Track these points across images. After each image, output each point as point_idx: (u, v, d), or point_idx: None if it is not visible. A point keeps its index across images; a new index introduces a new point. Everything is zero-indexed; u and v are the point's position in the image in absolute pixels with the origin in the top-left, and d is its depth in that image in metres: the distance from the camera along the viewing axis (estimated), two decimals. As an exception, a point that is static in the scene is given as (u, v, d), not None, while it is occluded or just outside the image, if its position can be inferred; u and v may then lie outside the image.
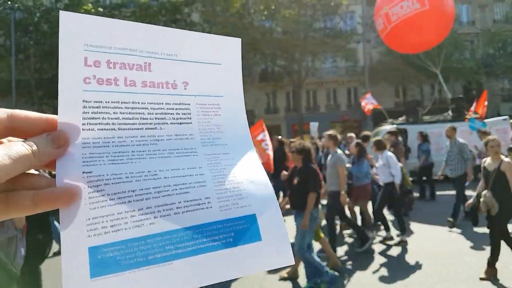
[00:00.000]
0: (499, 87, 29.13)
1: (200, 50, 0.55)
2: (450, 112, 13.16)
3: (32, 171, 0.44)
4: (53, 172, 0.44)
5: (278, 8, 23.13)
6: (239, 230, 0.49)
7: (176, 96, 0.53)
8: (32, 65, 23.70)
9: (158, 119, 0.51)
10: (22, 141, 0.42)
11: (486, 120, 10.77)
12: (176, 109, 0.53)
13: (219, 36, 0.57)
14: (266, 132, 6.42)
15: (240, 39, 0.58)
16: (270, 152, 6.15)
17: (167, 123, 0.51)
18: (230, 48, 0.59)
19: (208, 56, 0.56)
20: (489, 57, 27.73)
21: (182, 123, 0.53)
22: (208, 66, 0.56)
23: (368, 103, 14.30)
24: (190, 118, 0.54)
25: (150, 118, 0.50)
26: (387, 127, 13.41)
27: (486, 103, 12.21)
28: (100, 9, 24.72)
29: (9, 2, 21.89)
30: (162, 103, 0.52)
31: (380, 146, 6.35)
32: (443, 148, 9.96)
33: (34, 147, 0.42)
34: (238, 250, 0.48)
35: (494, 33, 27.06)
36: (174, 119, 0.52)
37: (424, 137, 9.87)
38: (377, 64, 26.58)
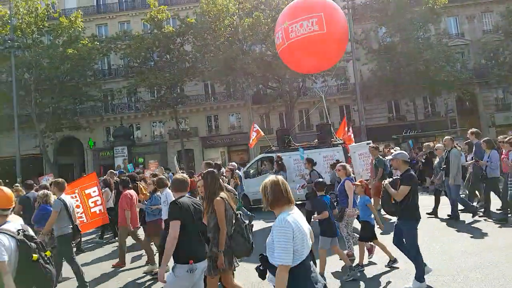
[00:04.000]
0: (493, 97, 30.05)
1: None
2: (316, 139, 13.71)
3: None
4: None
5: (267, 33, 24.64)
6: None
7: None
8: (33, 100, 25.48)
9: None
10: None
11: (351, 145, 11.59)
12: None
13: None
14: (98, 187, 6.97)
15: None
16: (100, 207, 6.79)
17: None
18: None
19: None
20: (481, 68, 28.81)
21: None
22: None
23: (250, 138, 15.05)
24: None
25: None
26: (264, 154, 13.74)
27: (346, 128, 13.04)
28: (97, 43, 26.62)
29: (9, 41, 23.68)
30: None
31: (160, 184, 6.64)
32: (307, 175, 9.56)
33: None
34: None
35: (485, 43, 28.17)
36: None
37: (280, 166, 10.26)
38: (368, 81, 27.82)
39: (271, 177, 2.91)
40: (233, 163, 12.03)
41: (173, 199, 3.98)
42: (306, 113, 29.99)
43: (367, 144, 11.88)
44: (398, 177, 5.23)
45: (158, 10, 25.74)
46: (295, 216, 2.68)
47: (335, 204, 7.11)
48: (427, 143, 16.38)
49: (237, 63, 23.78)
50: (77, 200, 6.65)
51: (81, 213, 6.54)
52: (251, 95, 29.15)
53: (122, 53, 26.99)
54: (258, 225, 9.83)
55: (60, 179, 6.58)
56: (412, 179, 4.93)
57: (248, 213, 10.41)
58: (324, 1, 9.45)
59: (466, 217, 8.66)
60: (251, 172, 13.69)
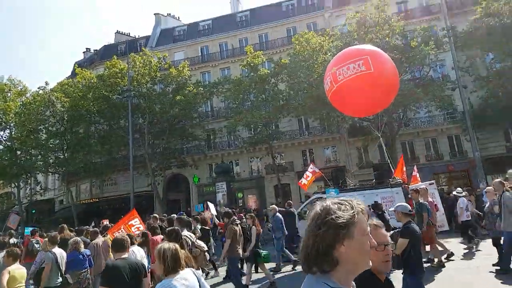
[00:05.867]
0: None
1: None
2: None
3: None
4: None
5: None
6: None
7: None
8: (146, 142, 28.64)
9: None
10: None
11: (412, 186, 10.91)
12: None
13: None
14: (139, 218, 8.40)
15: None
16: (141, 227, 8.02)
17: None
18: None
19: None
20: None
21: None
22: None
23: (304, 179, 14.49)
24: None
25: None
26: (317, 195, 13.29)
27: (404, 168, 12.35)
28: (201, 89, 29.33)
29: (127, 91, 27.21)
30: None
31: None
32: None
33: None
34: None
35: None
36: None
37: None
38: (479, 108, 25.67)
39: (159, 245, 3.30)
40: (273, 206, 11.71)
41: None
42: (410, 144, 28.48)
43: (430, 184, 11.56)
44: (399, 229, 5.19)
45: (254, 55, 27.66)
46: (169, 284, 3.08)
47: None
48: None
49: (331, 97, 23.90)
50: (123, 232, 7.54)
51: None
52: (346, 128, 28.82)
53: (223, 96, 29.28)
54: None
55: (53, 233, 7.50)
56: (411, 232, 4.96)
57: (292, 258, 10.28)
58: (370, 48, 9.92)
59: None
60: (307, 213, 13.24)
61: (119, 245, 4.15)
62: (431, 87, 24.36)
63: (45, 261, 6.63)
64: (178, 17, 41.75)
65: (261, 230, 9.14)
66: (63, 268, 6.61)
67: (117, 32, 41.84)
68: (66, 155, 30.96)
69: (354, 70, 8.71)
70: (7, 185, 36.92)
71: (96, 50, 41.59)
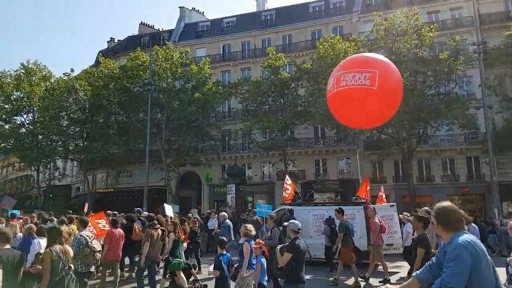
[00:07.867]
0: None
1: None
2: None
3: None
4: None
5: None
6: None
7: None
8: (163, 137, 29.47)
9: None
10: None
11: (374, 206, 11.61)
12: None
13: None
14: (105, 220, 9.86)
15: None
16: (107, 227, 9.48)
17: None
18: None
19: None
20: None
21: None
22: None
23: (284, 192, 14.28)
24: None
25: None
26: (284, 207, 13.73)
27: (368, 188, 13.00)
28: (220, 88, 29.80)
29: (148, 85, 27.90)
30: None
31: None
32: (268, 231, 9.82)
33: None
34: None
35: None
36: None
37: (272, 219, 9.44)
38: (503, 130, 25.23)
39: None
40: (222, 213, 12.56)
41: None
42: (427, 163, 28.35)
43: (391, 206, 12.41)
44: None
45: (276, 57, 27.83)
46: None
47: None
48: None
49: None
50: (90, 226, 8.87)
51: (92, 230, 8.95)
52: (363, 140, 28.83)
53: (241, 97, 29.63)
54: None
55: None
56: (295, 248, 5.46)
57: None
58: (383, 60, 9.79)
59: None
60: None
61: (4, 237, 4.77)
62: (455, 103, 23.94)
63: None
64: (203, 12, 42.38)
65: (183, 236, 9.78)
66: None
67: (142, 24, 42.72)
68: (85, 143, 32.24)
69: (358, 81, 9.38)
70: (27, 168, 38.73)
71: (120, 40, 42.65)
